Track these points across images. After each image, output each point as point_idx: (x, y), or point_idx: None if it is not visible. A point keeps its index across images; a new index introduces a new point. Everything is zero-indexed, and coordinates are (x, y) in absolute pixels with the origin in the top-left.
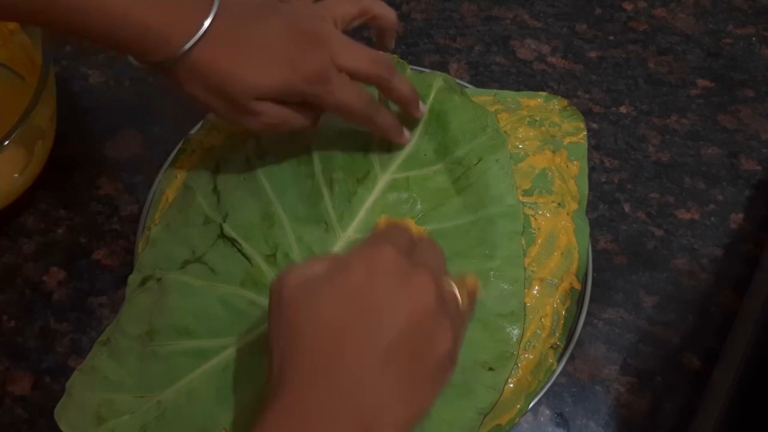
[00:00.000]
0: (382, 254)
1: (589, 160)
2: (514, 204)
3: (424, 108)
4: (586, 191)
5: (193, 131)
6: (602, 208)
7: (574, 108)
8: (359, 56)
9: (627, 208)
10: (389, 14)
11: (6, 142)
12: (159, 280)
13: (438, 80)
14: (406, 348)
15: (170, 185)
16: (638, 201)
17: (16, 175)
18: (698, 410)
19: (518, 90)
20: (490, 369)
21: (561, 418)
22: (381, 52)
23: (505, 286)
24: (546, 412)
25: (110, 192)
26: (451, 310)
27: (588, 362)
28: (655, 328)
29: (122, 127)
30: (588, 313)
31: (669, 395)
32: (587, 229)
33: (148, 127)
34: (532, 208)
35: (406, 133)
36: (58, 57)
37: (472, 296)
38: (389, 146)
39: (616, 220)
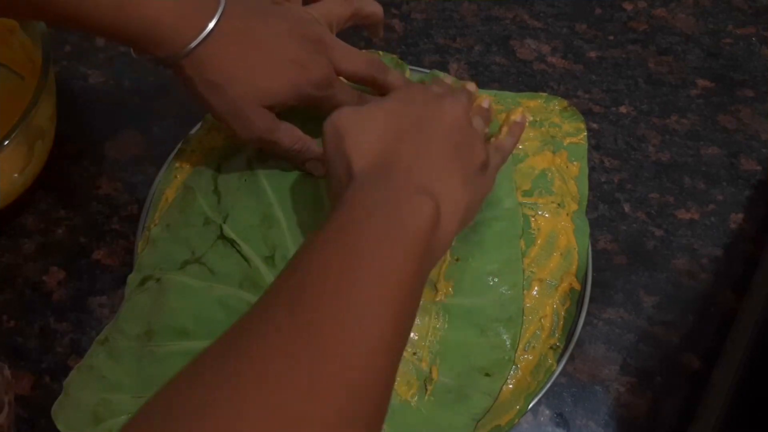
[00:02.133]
0: (413, 88)
1: (589, 160)
2: (512, 207)
3: None
4: (586, 192)
5: (193, 131)
6: (602, 208)
7: (575, 109)
8: (356, 60)
9: (627, 208)
10: (378, 10)
11: (6, 142)
12: (158, 280)
13: None
14: (452, 146)
15: (170, 185)
16: (638, 201)
17: (16, 175)
18: (698, 410)
19: (518, 90)
20: (487, 375)
21: (561, 418)
22: (372, 54)
23: (504, 291)
24: (546, 412)
25: (110, 192)
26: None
27: (588, 362)
28: (654, 328)
29: (122, 127)
30: (588, 313)
31: (669, 395)
32: (587, 230)
33: (148, 127)
34: (532, 209)
35: None
36: (58, 57)
37: (515, 128)
38: None
39: (616, 220)
